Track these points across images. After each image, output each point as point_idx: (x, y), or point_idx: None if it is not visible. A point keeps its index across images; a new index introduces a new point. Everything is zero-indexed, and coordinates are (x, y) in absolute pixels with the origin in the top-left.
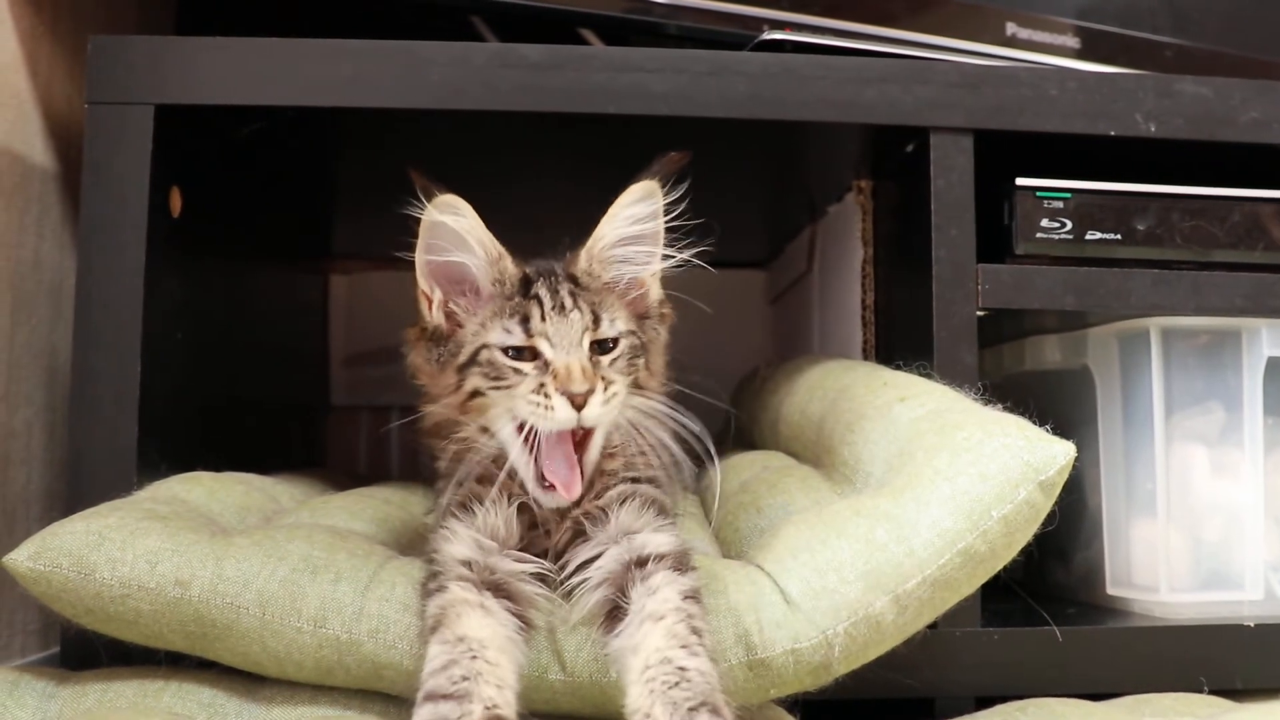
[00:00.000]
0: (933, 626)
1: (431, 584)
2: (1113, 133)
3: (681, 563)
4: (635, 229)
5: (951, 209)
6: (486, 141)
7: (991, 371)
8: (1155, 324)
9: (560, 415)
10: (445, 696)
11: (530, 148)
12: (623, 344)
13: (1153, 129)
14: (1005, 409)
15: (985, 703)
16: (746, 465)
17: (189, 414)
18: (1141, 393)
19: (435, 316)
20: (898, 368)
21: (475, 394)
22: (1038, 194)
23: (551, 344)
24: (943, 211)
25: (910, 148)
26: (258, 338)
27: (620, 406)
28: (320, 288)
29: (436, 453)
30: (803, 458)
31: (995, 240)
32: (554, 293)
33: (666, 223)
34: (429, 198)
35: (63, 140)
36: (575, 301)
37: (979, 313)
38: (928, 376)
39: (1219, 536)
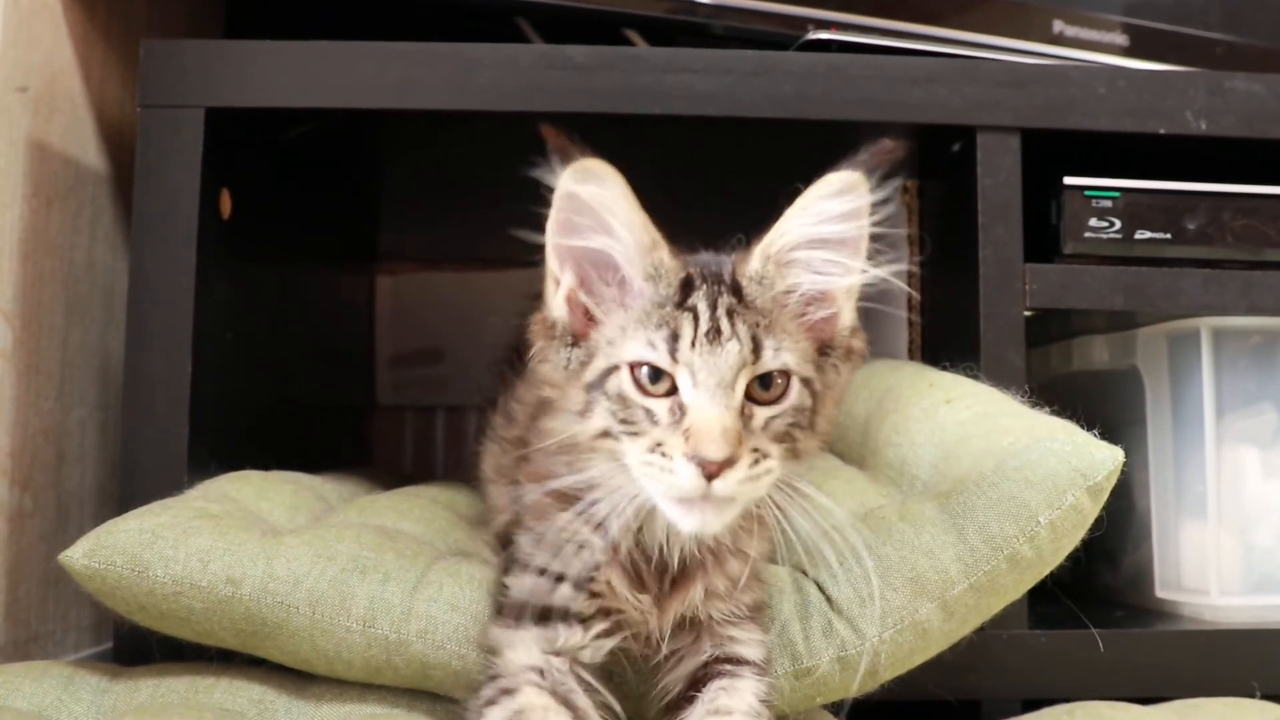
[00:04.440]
0: (979, 629)
1: (492, 689)
2: (1162, 131)
3: (764, 670)
4: (829, 229)
5: (998, 208)
6: (533, 144)
7: (1039, 372)
8: (1206, 324)
9: (682, 481)
10: None
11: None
12: (791, 394)
13: (1203, 127)
14: (1053, 411)
15: (1032, 705)
16: None
17: (238, 413)
18: (1192, 394)
19: (557, 307)
20: (944, 368)
21: (605, 434)
22: (1086, 193)
23: (694, 380)
24: (989, 211)
25: (957, 147)
26: (305, 338)
27: (769, 488)
28: (367, 288)
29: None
30: (847, 458)
31: (1043, 240)
32: (713, 307)
33: (872, 228)
34: (566, 161)
35: (115, 144)
36: (734, 323)
37: (1026, 313)
38: (974, 377)
39: (1271, 540)
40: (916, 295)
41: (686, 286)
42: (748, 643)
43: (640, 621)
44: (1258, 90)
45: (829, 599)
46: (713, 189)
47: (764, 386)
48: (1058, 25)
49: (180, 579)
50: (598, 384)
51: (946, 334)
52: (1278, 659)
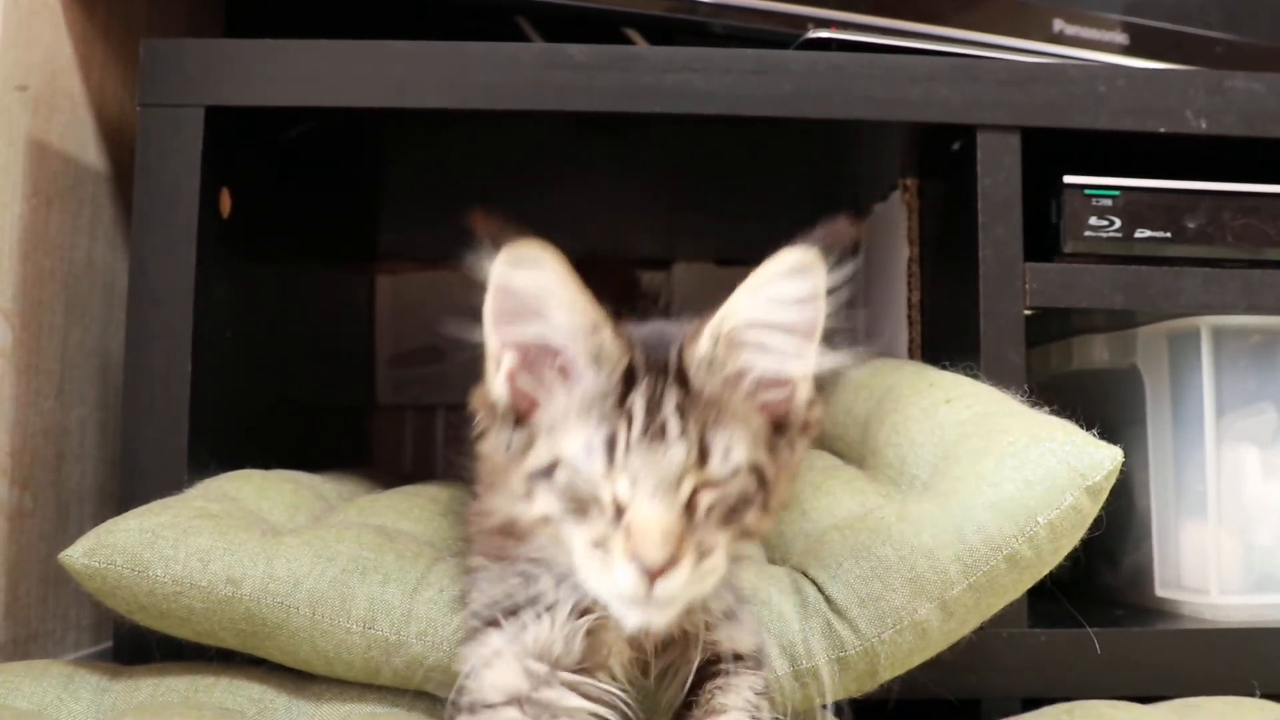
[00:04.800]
0: (979, 629)
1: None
2: (1163, 130)
3: (759, 662)
4: (783, 314)
5: (998, 207)
6: (532, 143)
7: (1038, 371)
8: (1206, 323)
9: (622, 583)
10: None
11: (576, 149)
12: (737, 482)
13: (1204, 126)
14: (1052, 410)
15: (1032, 704)
16: None
17: (238, 412)
18: (1192, 393)
19: (498, 387)
20: (944, 367)
21: (547, 520)
22: (1086, 192)
23: (633, 482)
24: (989, 210)
25: (957, 146)
26: (305, 337)
27: (717, 582)
28: (367, 288)
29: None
30: (847, 457)
31: (1043, 239)
32: (653, 405)
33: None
34: (497, 245)
35: (115, 142)
36: (681, 422)
37: (1026, 312)
38: (974, 376)
39: (1271, 539)
40: (917, 294)
41: (629, 378)
42: (734, 638)
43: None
44: (1258, 89)
45: (828, 599)
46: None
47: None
48: (1058, 24)
49: (180, 579)
50: (538, 475)
51: (946, 333)
52: (1278, 658)
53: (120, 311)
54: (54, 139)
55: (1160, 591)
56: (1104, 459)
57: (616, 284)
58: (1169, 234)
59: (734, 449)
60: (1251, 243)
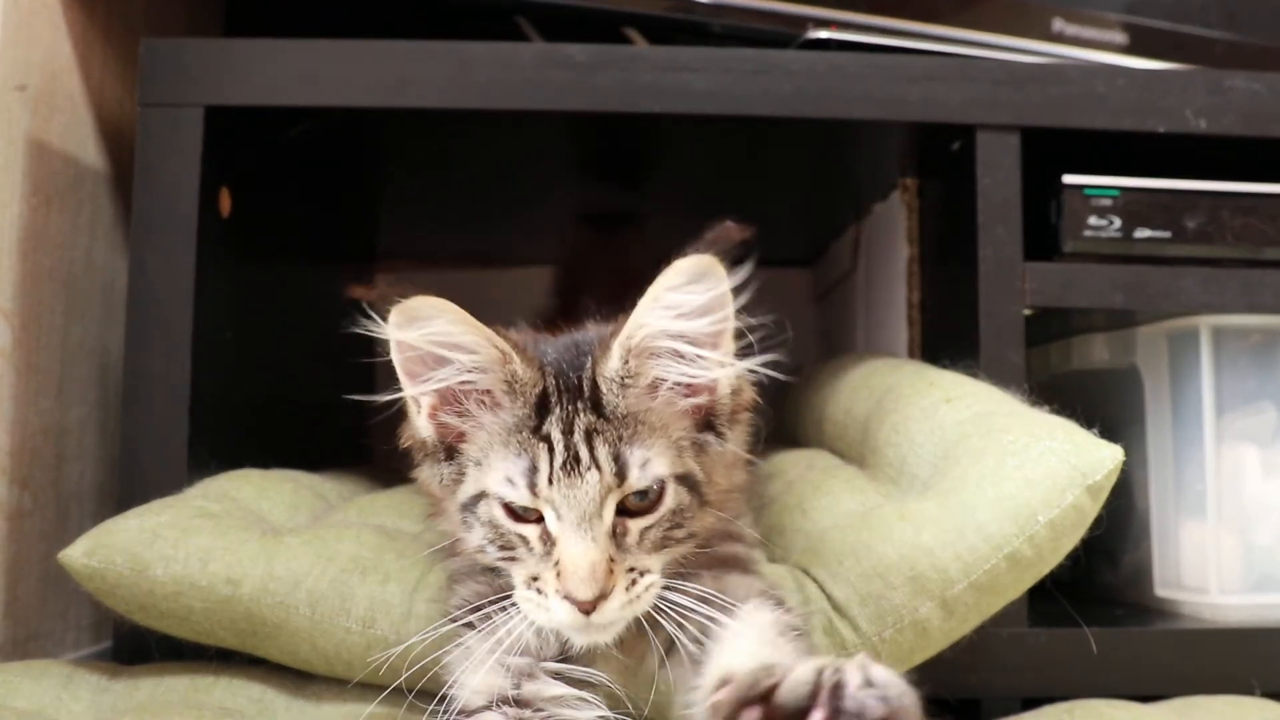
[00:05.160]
0: (979, 628)
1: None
2: (1162, 129)
3: (776, 600)
4: (687, 324)
5: (998, 207)
6: (531, 142)
7: (1038, 371)
8: (1205, 323)
9: (560, 618)
10: None
11: (575, 148)
12: (666, 499)
13: (1203, 125)
14: (1052, 410)
15: (1032, 704)
16: (791, 465)
17: (238, 412)
18: (1191, 392)
19: (423, 427)
20: (944, 367)
21: (481, 551)
22: (1085, 192)
23: (558, 515)
24: (989, 210)
25: (956, 146)
26: (304, 336)
27: (654, 598)
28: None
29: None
30: (847, 457)
31: (1043, 238)
32: (568, 432)
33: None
34: (383, 312)
35: (115, 142)
36: (593, 446)
37: (1026, 312)
38: (974, 376)
39: (1271, 538)
40: (916, 294)
41: (543, 405)
42: (733, 596)
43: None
44: (1257, 89)
45: (829, 597)
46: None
47: (638, 496)
48: (1057, 24)
49: (180, 578)
50: (469, 506)
51: (946, 332)
52: (1277, 657)
53: (120, 311)
54: (54, 138)
55: (1160, 591)
56: (1105, 458)
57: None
58: (1169, 233)
59: (653, 460)
60: (1251, 242)
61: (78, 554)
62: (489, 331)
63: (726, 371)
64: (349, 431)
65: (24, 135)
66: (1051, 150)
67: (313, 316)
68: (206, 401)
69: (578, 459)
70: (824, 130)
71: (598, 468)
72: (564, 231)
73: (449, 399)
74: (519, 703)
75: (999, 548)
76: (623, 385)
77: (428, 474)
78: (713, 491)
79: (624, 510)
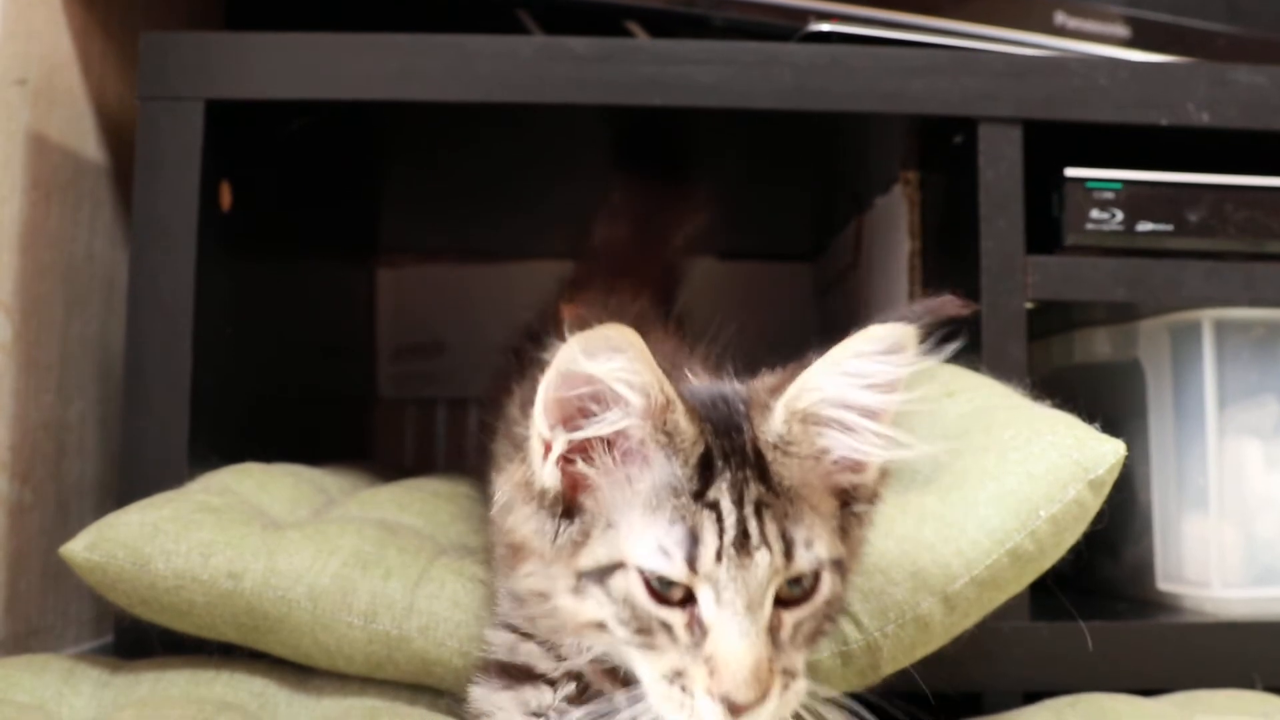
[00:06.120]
0: (981, 622)
1: None
2: (1164, 122)
3: None
4: (870, 397)
5: (1000, 200)
6: (533, 135)
7: (1040, 365)
8: (1208, 316)
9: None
10: None
11: (576, 142)
12: (823, 588)
13: (1206, 118)
14: (1054, 404)
15: (1033, 698)
16: None
17: (239, 406)
18: (1193, 386)
19: (547, 475)
20: (944, 361)
21: (601, 627)
22: (1087, 185)
23: (718, 600)
24: (991, 203)
25: (958, 139)
26: (306, 330)
27: (798, 705)
28: (368, 281)
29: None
30: None
31: (1044, 232)
32: (739, 503)
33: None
34: (572, 331)
35: (115, 136)
36: (763, 523)
37: (1027, 305)
38: (975, 369)
39: (1273, 531)
40: (918, 288)
41: (706, 466)
42: None
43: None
44: (1261, 82)
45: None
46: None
47: (793, 584)
48: (1059, 17)
49: (181, 572)
50: (595, 577)
51: (948, 326)
52: (1279, 651)
53: (120, 305)
54: (53, 132)
55: (1162, 585)
56: (1106, 452)
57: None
58: (1171, 227)
59: (815, 544)
60: (1253, 235)
61: (79, 548)
62: (661, 373)
63: (891, 450)
64: (351, 426)
65: (23, 129)
66: (1053, 143)
67: (314, 310)
68: (207, 395)
69: (747, 535)
70: (825, 123)
71: (768, 547)
72: (567, 224)
73: (585, 445)
74: None
75: (1001, 543)
76: (785, 454)
77: (531, 527)
78: (847, 583)
79: (778, 601)
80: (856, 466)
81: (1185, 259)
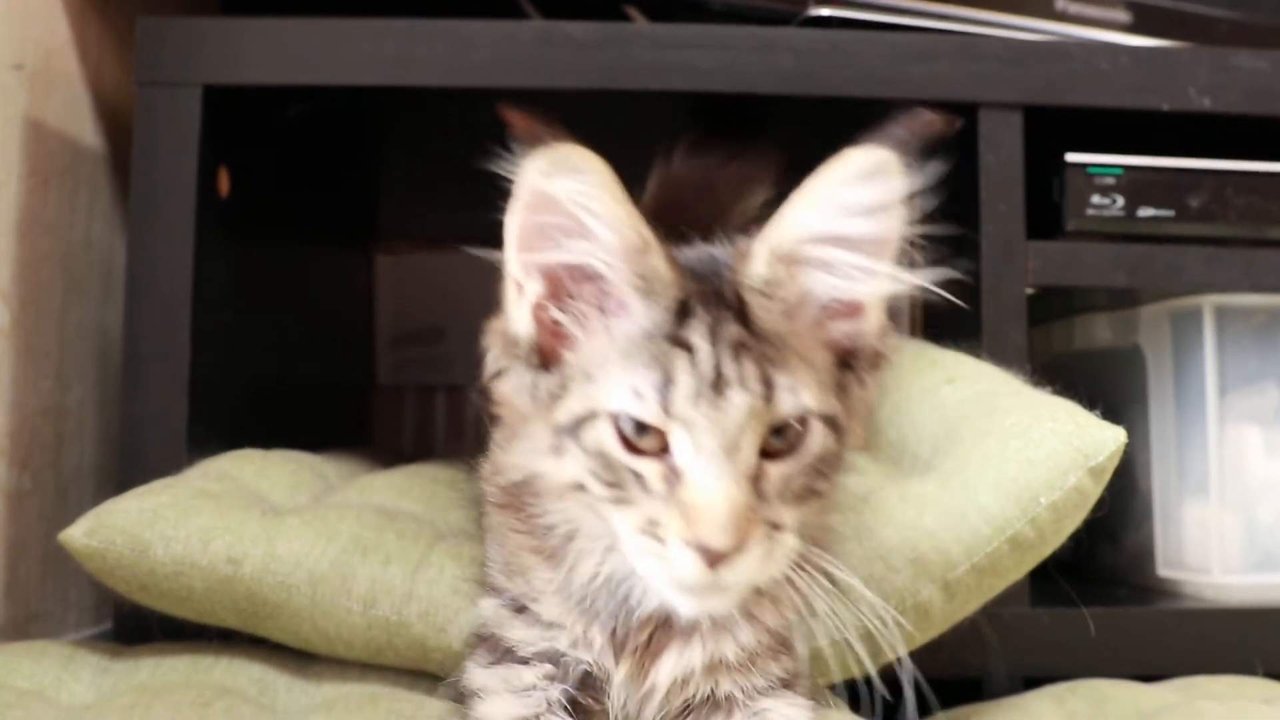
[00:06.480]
0: (981, 608)
1: None
2: (1166, 107)
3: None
4: (854, 225)
5: (1001, 185)
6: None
7: (1041, 351)
8: (1209, 302)
9: (681, 572)
10: None
11: (573, 126)
12: (812, 440)
13: (1207, 104)
14: (1054, 390)
15: (1034, 684)
16: None
17: (238, 393)
18: (1194, 372)
19: (520, 320)
20: (946, 346)
21: (579, 488)
22: (1088, 170)
23: (693, 443)
24: (991, 188)
25: (959, 124)
26: (305, 317)
27: (787, 564)
28: (366, 268)
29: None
30: None
31: (1045, 217)
32: (715, 342)
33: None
34: (533, 145)
35: (112, 122)
36: (741, 364)
37: (1028, 290)
38: (976, 355)
39: (1273, 518)
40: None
41: (683, 309)
42: (782, 712)
43: (600, 673)
44: (1262, 67)
45: (831, 580)
46: None
47: (779, 436)
48: (1060, 2)
49: (181, 558)
50: (571, 430)
51: (948, 312)
52: (1279, 637)
53: (119, 291)
54: (50, 118)
55: (1162, 571)
56: (1107, 439)
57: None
58: (1172, 212)
59: (801, 387)
60: (1255, 221)
61: (78, 534)
62: (635, 210)
63: (883, 289)
64: (350, 413)
65: (20, 115)
66: (1054, 128)
67: (313, 296)
68: (206, 382)
69: (722, 375)
70: (825, 108)
71: (746, 389)
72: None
73: (559, 291)
74: None
75: (1001, 530)
76: (768, 297)
77: (513, 384)
78: (849, 446)
79: (763, 452)
80: (851, 311)
81: (1186, 244)
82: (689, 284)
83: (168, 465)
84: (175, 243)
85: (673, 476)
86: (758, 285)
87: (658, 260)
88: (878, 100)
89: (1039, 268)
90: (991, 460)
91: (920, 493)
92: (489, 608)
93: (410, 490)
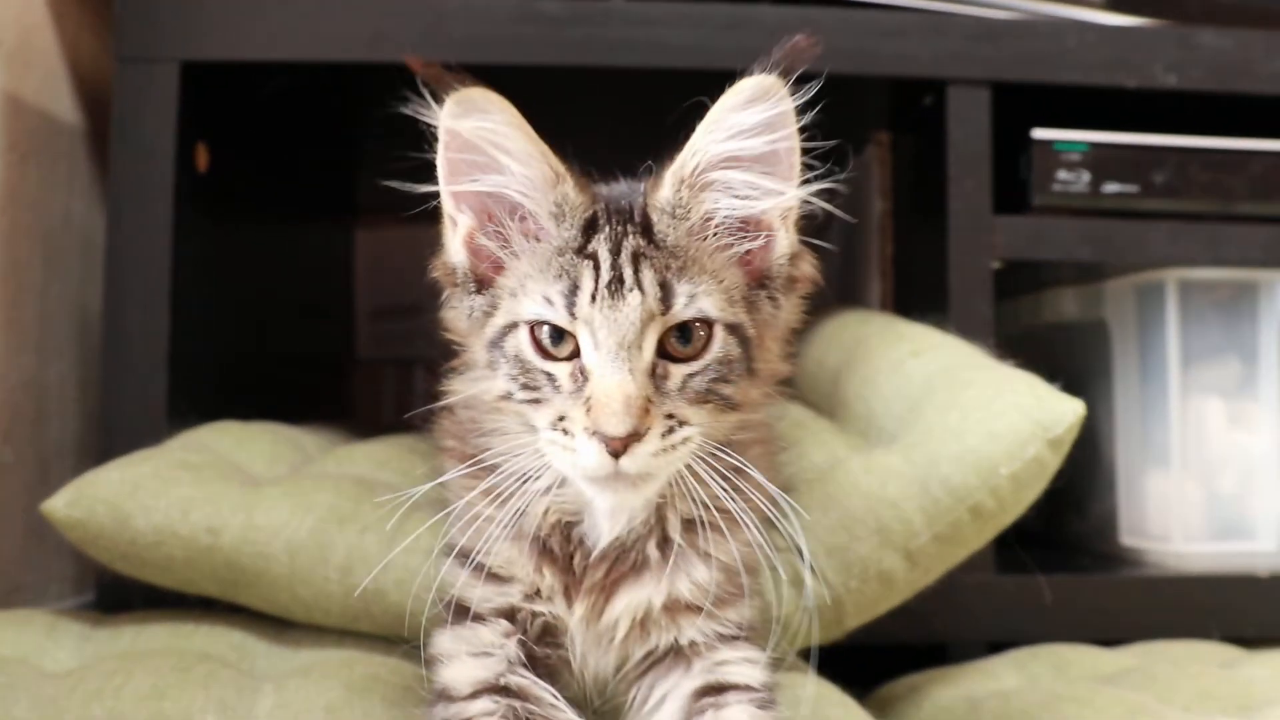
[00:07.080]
0: (946, 575)
1: (442, 710)
2: (1132, 85)
3: (766, 701)
4: (748, 144)
5: (968, 161)
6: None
7: (1008, 324)
8: (1173, 276)
9: (585, 460)
10: None
11: (552, 103)
12: (714, 346)
13: (1173, 81)
14: (1020, 364)
15: (997, 649)
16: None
17: (217, 366)
18: (1158, 345)
19: (455, 251)
20: (915, 319)
21: (507, 396)
22: (1055, 146)
23: (595, 340)
24: (959, 163)
25: (928, 100)
26: (284, 292)
27: (690, 456)
28: (346, 243)
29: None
30: (819, 408)
31: (1012, 192)
32: (615, 252)
33: (799, 140)
34: (443, 93)
35: (91, 98)
36: (639, 270)
37: (995, 265)
38: (944, 329)
39: (1233, 488)
40: (889, 248)
41: (590, 227)
42: (738, 663)
43: (558, 621)
44: (1226, 45)
45: (797, 549)
46: None
47: (682, 340)
48: None
49: (161, 528)
50: (497, 342)
51: (918, 285)
52: (1237, 604)
53: (99, 266)
54: (29, 94)
55: (1125, 540)
56: (1066, 412)
57: None
58: (1137, 188)
59: (701, 295)
60: (1218, 196)
61: (60, 504)
62: (545, 147)
63: (784, 204)
64: (330, 386)
65: None
66: (1022, 105)
67: (293, 271)
68: (185, 355)
69: (621, 280)
70: (796, 84)
71: (641, 290)
72: None
73: (489, 223)
74: (508, 691)
75: (962, 500)
76: (674, 217)
77: (455, 311)
78: (761, 360)
79: (667, 354)
80: (754, 228)
81: (1151, 220)
82: (599, 206)
83: (148, 437)
84: (154, 217)
85: (580, 376)
86: (662, 205)
87: (570, 188)
88: (848, 77)
89: (1006, 242)
90: (953, 432)
91: (884, 464)
92: (448, 568)
93: (388, 461)
